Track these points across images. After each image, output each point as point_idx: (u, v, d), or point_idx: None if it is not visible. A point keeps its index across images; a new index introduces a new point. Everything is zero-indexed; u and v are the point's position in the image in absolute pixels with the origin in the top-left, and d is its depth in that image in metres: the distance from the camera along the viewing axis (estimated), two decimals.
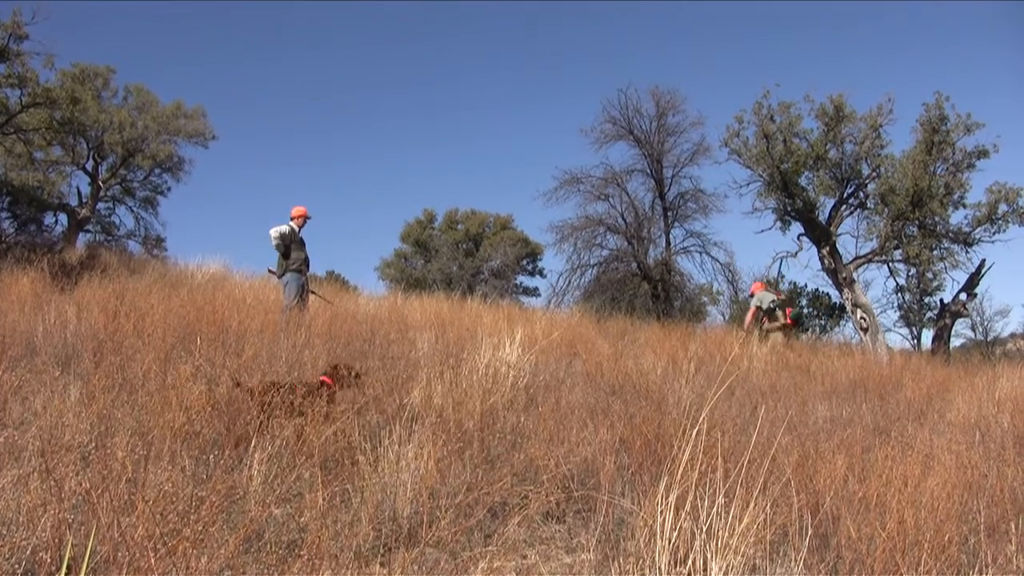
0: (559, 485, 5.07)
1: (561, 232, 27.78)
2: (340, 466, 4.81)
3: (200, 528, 3.27)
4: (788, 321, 15.78)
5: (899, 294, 26.66)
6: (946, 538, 4.04)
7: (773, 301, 16.08)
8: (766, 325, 15.74)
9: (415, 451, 4.67)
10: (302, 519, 4.15)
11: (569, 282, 27.57)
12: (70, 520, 3.42)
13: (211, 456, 4.52)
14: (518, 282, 40.32)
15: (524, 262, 40.57)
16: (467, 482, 4.71)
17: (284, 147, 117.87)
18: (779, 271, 24.29)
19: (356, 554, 3.87)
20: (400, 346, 9.09)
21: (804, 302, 28.85)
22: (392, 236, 60.28)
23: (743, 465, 3.53)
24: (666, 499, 3.34)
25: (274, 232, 11.25)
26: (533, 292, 40.24)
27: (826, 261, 22.37)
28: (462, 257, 39.51)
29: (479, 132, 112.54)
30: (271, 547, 3.53)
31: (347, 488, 4.52)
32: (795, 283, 29.12)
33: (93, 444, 4.52)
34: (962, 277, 22.10)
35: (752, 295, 16.85)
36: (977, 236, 21.26)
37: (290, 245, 11.31)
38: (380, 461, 4.63)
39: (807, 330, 17.69)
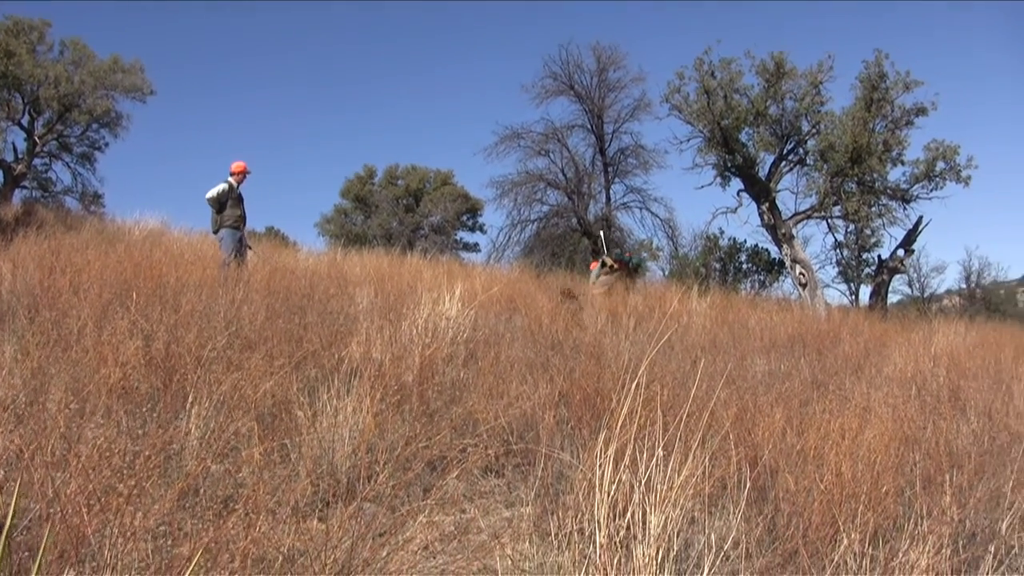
0: (498, 439, 5.11)
1: (501, 188, 27.90)
2: (278, 420, 4.80)
3: (135, 484, 3.24)
4: (615, 264, 16.32)
5: (838, 250, 27.02)
6: (883, 490, 4.14)
7: (602, 263, 16.74)
8: (602, 278, 16.18)
9: (354, 405, 4.67)
10: (239, 474, 4.14)
11: (509, 238, 27.73)
12: (1, 477, 3.38)
13: (146, 411, 4.48)
14: (458, 238, 40.30)
15: (464, 218, 40.55)
16: (406, 436, 4.72)
17: (223, 102, 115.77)
18: (719, 227, 24.62)
19: (293, 509, 3.87)
20: (339, 301, 9.03)
21: (744, 258, 29.15)
22: (332, 192, 59.64)
23: (682, 418, 3.57)
24: (605, 452, 3.36)
25: (211, 193, 11.17)
26: (473, 248, 40.27)
27: (766, 217, 22.65)
28: (402, 213, 39.31)
29: (421, 88, 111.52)
30: (207, 502, 3.52)
31: (285, 443, 4.51)
32: (735, 239, 29.42)
33: (26, 401, 4.46)
34: (900, 234, 22.60)
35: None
36: (915, 193, 21.71)
37: (226, 201, 11.22)
38: (318, 416, 4.63)
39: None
